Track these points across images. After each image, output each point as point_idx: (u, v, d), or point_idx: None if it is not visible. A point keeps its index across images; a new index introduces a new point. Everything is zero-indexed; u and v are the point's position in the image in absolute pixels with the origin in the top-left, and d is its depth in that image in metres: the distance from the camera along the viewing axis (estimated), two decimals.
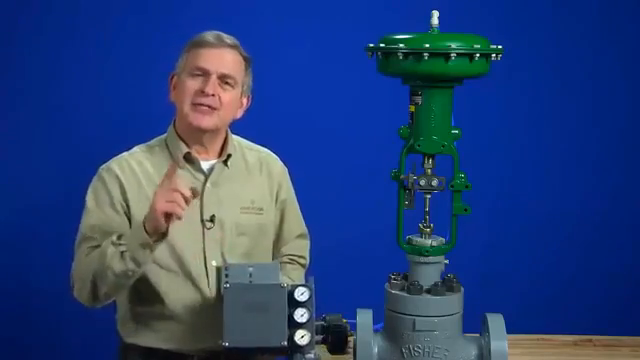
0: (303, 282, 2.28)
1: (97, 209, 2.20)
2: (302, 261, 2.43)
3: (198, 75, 2.20)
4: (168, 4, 3.09)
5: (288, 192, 2.40)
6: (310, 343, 1.86)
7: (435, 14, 1.79)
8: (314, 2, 3.14)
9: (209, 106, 2.19)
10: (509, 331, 1.83)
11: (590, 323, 2.73)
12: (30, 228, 3.15)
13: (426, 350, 1.80)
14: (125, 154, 2.29)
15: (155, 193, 2.01)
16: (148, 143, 2.32)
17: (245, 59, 2.26)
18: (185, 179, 2.23)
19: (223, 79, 2.20)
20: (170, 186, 1.98)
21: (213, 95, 2.18)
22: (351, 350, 1.91)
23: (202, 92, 2.18)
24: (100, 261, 2.08)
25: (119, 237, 2.09)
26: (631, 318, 3.16)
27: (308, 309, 1.87)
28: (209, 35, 2.23)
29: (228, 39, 2.23)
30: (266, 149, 2.42)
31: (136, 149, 2.30)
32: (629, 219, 3.30)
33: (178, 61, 2.26)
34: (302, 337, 1.86)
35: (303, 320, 1.86)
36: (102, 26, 3.08)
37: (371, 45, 1.81)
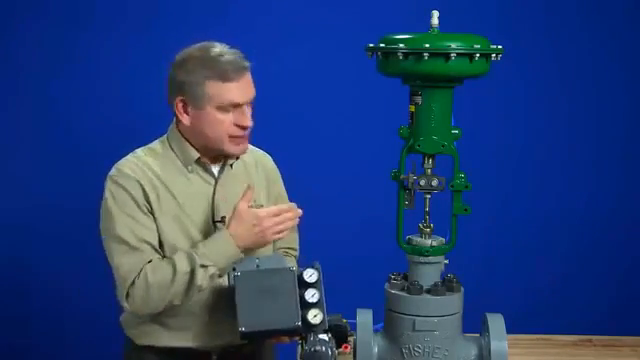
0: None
1: (126, 217, 2.15)
2: (294, 252, 2.48)
3: (231, 108, 2.16)
4: (169, 4, 3.09)
5: (279, 187, 2.44)
6: (322, 322, 1.91)
7: (435, 14, 1.79)
8: (314, 2, 3.14)
9: (246, 135, 2.21)
10: (509, 331, 1.83)
11: (590, 323, 2.73)
12: (33, 228, 3.15)
13: (426, 350, 1.80)
14: (130, 157, 2.24)
15: (267, 224, 2.13)
16: (149, 146, 2.28)
17: (250, 69, 2.21)
18: (196, 182, 2.24)
19: (250, 102, 2.20)
20: (275, 212, 2.14)
21: (251, 125, 2.19)
22: (351, 350, 1.91)
23: (242, 127, 2.17)
24: (186, 285, 2.11)
25: (201, 256, 2.12)
26: (631, 318, 3.16)
27: (318, 289, 1.93)
28: (230, 65, 2.13)
29: (243, 61, 2.16)
30: (257, 148, 2.43)
31: (139, 152, 2.26)
32: (629, 219, 3.30)
33: (187, 86, 2.14)
34: (315, 316, 1.91)
35: (314, 300, 1.92)
36: (104, 25, 3.08)
37: (371, 45, 1.81)
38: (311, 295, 1.92)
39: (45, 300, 3.18)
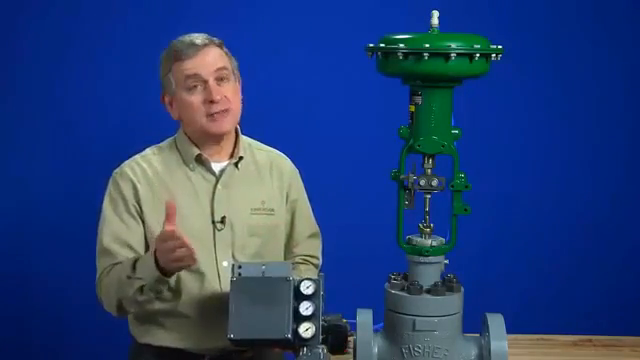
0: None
1: (114, 216, 2.22)
2: (315, 261, 2.45)
3: (195, 87, 2.20)
4: (172, 4, 3.09)
5: (299, 192, 2.41)
6: (315, 336, 1.86)
7: (435, 14, 1.79)
8: (314, 2, 3.14)
9: (223, 110, 2.20)
10: (509, 331, 1.83)
11: (590, 323, 2.73)
12: (38, 229, 3.15)
13: (426, 350, 1.80)
14: (137, 156, 2.31)
15: (160, 250, 2.01)
16: (159, 145, 2.35)
17: (221, 46, 2.27)
18: (196, 181, 2.25)
19: (219, 77, 2.21)
20: (171, 244, 1.97)
21: (221, 98, 2.20)
22: (351, 350, 1.91)
23: (211, 101, 2.18)
24: (120, 290, 2.12)
25: (134, 267, 2.10)
26: (631, 318, 3.16)
27: (314, 302, 1.88)
28: (182, 45, 2.22)
29: (200, 39, 2.23)
30: (276, 150, 2.42)
31: (147, 151, 2.33)
32: (629, 219, 3.30)
33: (163, 80, 2.27)
34: (306, 330, 1.86)
35: (308, 313, 1.87)
36: (106, 25, 3.08)
37: (371, 45, 1.81)
38: (305, 308, 1.86)
39: (46, 300, 3.18)
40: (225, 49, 2.28)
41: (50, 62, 3.09)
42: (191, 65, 2.20)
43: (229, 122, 2.23)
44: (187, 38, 2.23)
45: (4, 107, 3.12)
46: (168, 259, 2.00)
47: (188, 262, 2.01)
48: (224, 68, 2.22)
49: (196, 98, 2.20)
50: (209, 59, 2.21)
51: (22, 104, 3.12)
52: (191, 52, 2.20)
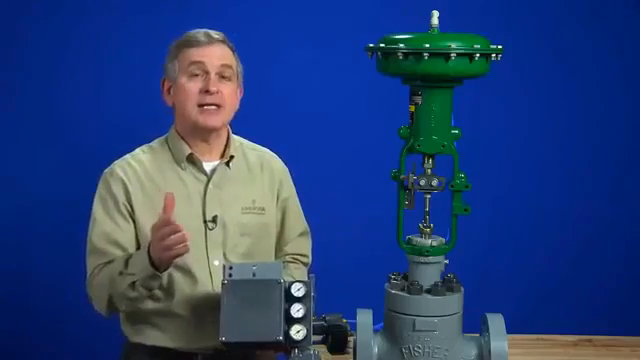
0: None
1: (104, 216, 2.22)
2: (304, 259, 2.45)
3: (196, 75, 2.21)
4: (170, 4, 3.09)
5: (289, 190, 2.41)
6: (306, 339, 1.87)
7: (435, 14, 1.79)
8: (314, 2, 3.14)
9: (215, 105, 2.21)
10: (509, 331, 1.83)
11: (590, 323, 2.73)
12: (33, 227, 3.15)
13: (426, 350, 1.80)
14: (127, 156, 2.30)
15: (154, 239, 2.01)
16: (149, 144, 2.34)
17: (232, 49, 2.29)
18: (188, 180, 2.25)
19: (222, 73, 2.22)
20: (167, 230, 1.97)
21: (217, 92, 2.20)
22: (351, 350, 1.91)
23: (206, 91, 2.19)
24: (112, 286, 2.12)
25: (126, 263, 2.11)
26: (631, 318, 3.16)
27: (305, 305, 1.88)
28: (197, 34, 2.24)
29: (216, 34, 2.26)
30: (267, 149, 2.43)
31: (138, 150, 2.32)
32: (629, 219, 3.30)
33: (167, 66, 2.28)
34: (298, 332, 1.87)
35: (299, 315, 1.87)
36: (104, 25, 3.08)
37: (371, 45, 1.80)
38: (296, 310, 1.87)
39: (41, 298, 3.18)
40: (236, 54, 2.30)
41: (49, 63, 3.09)
42: (199, 53, 2.22)
43: (218, 119, 2.22)
44: (203, 30, 2.26)
45: (2, 107, 3.12)
46: (161, 247, 2.00)
47: (179, 251, 2.01)
48: (229, 67, 2.24)
49: (194, 85, 2.21)
50: (218, 53, 2.23)
51: (20, 104, 3.12)
52: (203, 41, 2.22)
